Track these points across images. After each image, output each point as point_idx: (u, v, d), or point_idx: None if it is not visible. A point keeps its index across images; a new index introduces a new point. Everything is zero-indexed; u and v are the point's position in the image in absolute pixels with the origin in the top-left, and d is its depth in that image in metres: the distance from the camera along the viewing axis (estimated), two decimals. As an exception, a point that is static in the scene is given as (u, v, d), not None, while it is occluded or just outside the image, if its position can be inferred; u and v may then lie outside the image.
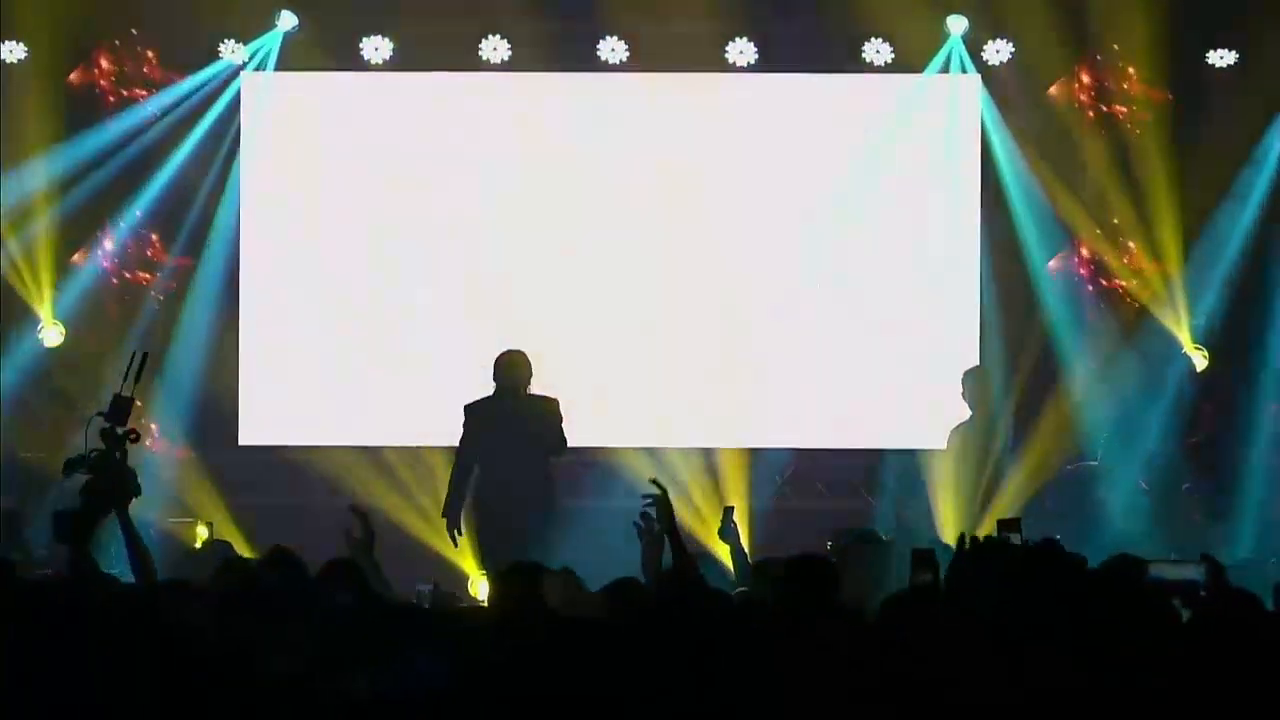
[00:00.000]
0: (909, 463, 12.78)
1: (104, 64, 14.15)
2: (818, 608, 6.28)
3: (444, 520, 11.72)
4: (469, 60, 14.11)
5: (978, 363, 13.46)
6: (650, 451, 13.70)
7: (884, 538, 9.58)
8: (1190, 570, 6.76)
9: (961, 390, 12.64)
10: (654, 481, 7.96)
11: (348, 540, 7.89)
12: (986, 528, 11.75)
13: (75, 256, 14.14)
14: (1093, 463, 13.48)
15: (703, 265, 14.19)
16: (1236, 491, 13.06)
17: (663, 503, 7.79)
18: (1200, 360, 13.90)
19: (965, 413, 12.60)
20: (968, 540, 5.81)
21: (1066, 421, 13.65)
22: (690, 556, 7.58)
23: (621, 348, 14.17)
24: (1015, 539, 6.28)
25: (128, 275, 14.26)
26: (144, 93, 14.16)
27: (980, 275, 14.12)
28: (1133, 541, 11.77)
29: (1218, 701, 4.66)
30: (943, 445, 12.63)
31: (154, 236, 14.26)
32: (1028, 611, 4.91)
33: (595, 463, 13.57)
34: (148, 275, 14.27)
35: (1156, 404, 13.64)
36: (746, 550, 9.53)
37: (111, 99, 14.18)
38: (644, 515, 7.82)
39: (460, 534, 11.72)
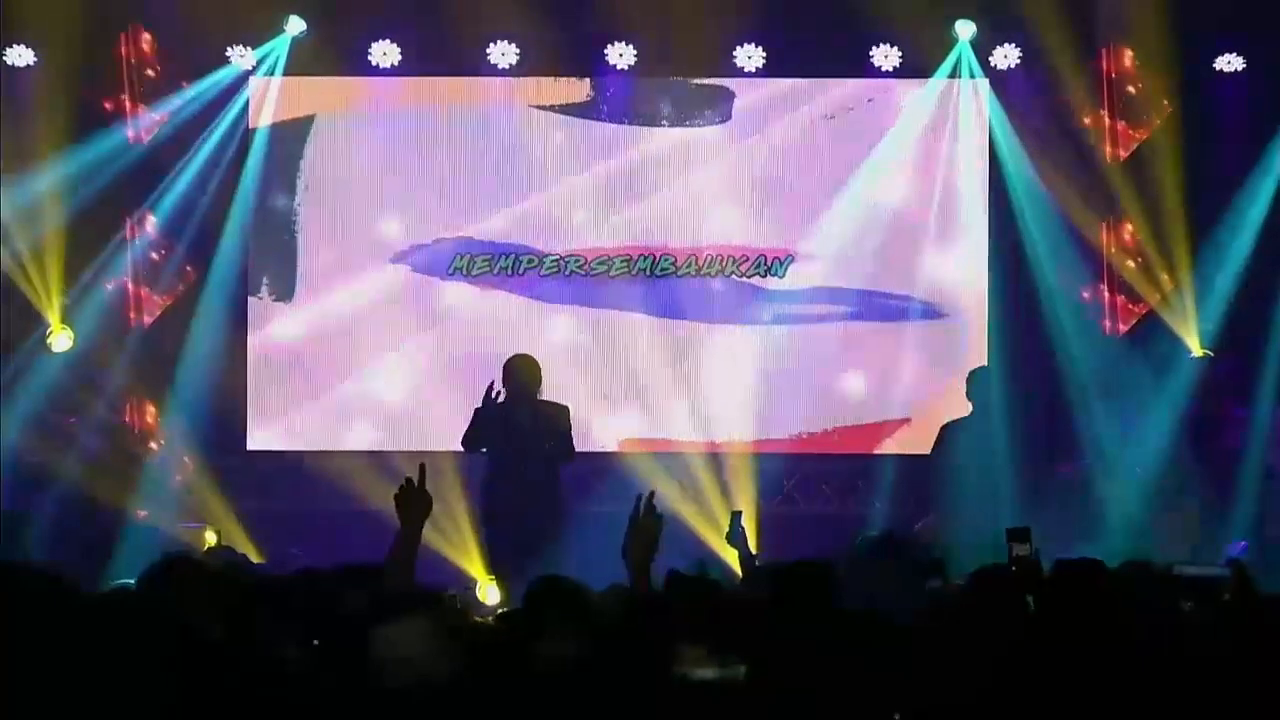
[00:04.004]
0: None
1: (113, 69, 14.15)
2: (813, 612, 6.28)
3: (466, 508, 11.76)
4: (476, 65, 14.12)
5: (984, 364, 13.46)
6: (659, 456, 13.69)
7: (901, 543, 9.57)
8: (1214, 570, 6.67)
9: (966, 390, 12.62)
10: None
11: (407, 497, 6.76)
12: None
13: (84, 261, 14.12)
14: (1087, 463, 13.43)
15: (709, 267, 14.19)
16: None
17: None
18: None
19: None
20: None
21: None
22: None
23: (625, 350, 14.17)
24: (1024, 549, 6.24)
25: (136, 280, 14.25)
26: (153, 98, 14.16)
27: (989, 279, 14.13)
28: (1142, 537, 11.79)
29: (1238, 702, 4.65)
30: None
31: (162, 242, 14.25)
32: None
33: (605, 468, 13.56)
34: (156, 280, 14.26)
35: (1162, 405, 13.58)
36: (754, 555, 9.54)
37: (120, 104, 14.18)
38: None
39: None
